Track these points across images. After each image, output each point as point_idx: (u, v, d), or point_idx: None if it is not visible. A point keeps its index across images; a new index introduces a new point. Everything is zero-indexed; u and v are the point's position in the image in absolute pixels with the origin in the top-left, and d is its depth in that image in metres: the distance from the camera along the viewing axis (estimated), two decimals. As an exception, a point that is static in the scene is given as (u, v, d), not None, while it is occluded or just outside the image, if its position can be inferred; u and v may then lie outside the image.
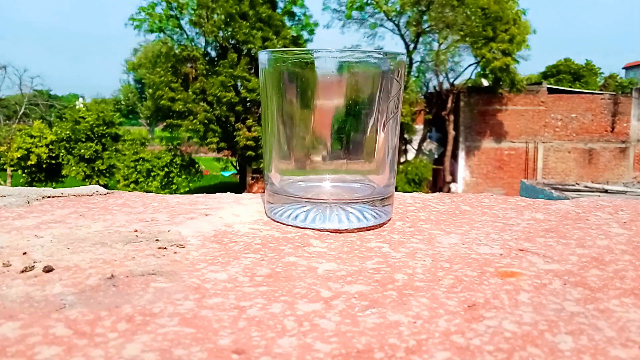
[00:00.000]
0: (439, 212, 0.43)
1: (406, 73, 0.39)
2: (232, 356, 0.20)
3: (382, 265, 0.30)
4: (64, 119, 13.42)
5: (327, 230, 0.37)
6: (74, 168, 12.39)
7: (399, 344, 0.21)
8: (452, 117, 11.83)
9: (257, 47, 10.35)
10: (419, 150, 12.38)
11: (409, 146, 12.53)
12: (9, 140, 13.60)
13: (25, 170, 12.62)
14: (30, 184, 12.38)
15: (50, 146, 12.49)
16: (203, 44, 11.84)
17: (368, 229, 0.38)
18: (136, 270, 0.29)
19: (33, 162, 12.37)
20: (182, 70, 11.41)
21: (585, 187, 6.57)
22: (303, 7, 11.93)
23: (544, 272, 0.30)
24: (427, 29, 11.45)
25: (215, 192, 0.49)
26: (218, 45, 11.45)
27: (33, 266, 0.29)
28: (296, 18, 11.83)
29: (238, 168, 13.20)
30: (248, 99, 11.08)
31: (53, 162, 12.66)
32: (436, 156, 12.55)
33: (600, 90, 15.22)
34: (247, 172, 12.37)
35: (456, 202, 0.47)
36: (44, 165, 12.59)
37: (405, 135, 12.04)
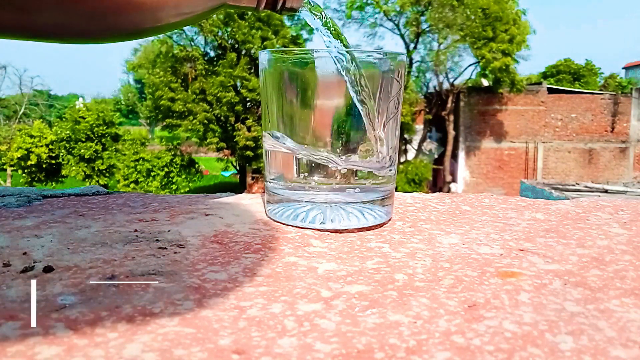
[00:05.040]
0: (439, 212, 0.43)
1: (406, 73, 0.39)
2: (232, 356, 0.20)
3: (382, 265, 0.30)
4: (64, 119, 13.42)
5: (327, 230, 0.37)
6: (74, 168, 12.39)
7: (399, 344, 0.21)
8: (452, 117, 11.83)
9: (257, 47, 10.35)
10: (419, 150, 12.38)
11: (409, 146, 12.54)
12: (9, 140, 13.60)
13: (25, 170, 12.61)
14: (30, 184, 12.38)
15: (50, 146, 12.49)
16: (202, 43, 11.84)
17: (368, 229, 0.38)
18: (136, 270, 0.29)
19: (33, 162, 12.37)
20: (182, 70, 11.41)
21: (585, 187, 6.57)
22: (303, 7, 11.88)
23: (544, 272, 0.30)
24: (427, 29, 11.45)
25: (215, 192, 0.49)
26: (217, 45, 11.45)
27: (33, 266, 0.29)
28: (295, 17, 11.84)
29: (238, 168, 13.20)
30: (248, 99, 11.08)
31: (53, 162, 12.65)
32: (436, 156, 12.56)
33: (600, 90, 15.22)
34: (247, 172, 12.37)
35: (456, 202, 0.47)
36: (44, 165, 12.59)
37: (405, 135, 12.04)
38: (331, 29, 0.36)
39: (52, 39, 0.26)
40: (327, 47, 0.36)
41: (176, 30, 11.52)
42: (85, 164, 12.43)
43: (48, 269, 0.28)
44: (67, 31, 0.26)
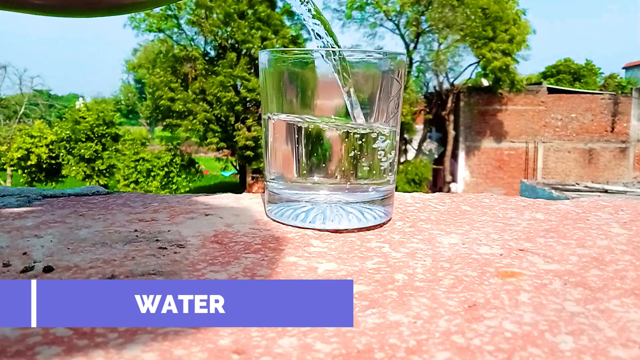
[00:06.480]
0: (439, 212, 0.43)
1: (406, 73, 0.39)
2: (232, 356, 0.20)
3: (382, 265, 0.30)
4: (64, 119, 13.42)
5: (327, 230, 0.37)
6: (74, 168, 12.39)
7: (399, 344, 0.21)
8: (452, 117, 11.83)
9: (256, 47, 10.35)
10: (419, 150, 12.38)
11: (409, 146, 12.54)
12: (9, 140, 13.60)
13: (25, 170, 12.61)
14: (30, 184, 12.38)
15: (50, 146, 12.48)
16: (202, 43, 11.85)
17: (368, 229, 0.38)
18: (136, 270, 0.29)
19: (33, 162, 12.37)
20: (182, 70, 11.41)
21: (585, 187, 6.57)
22: (303, 7, 11.86)
23: (544, 272, 0.30)
24: (427, 29, 11.45)
25: (215, 192, 0.49)
26: (217, 44, 11.45)
27: (33, 266, 0.29)
28: (295, 17, 11.82)
29: (238, 168, 13.20)
30: (248, 99, 11.08)
31: (53, 162, 12.65)
32: (436, 156, 12.56)
33: (600, 90, 15.21)
34: (247, 172, 12.37)
35: (456, 202, 0.47)
36: (44, 165, 12.58)
37: (405, 135, 12.04)
38: (314, 13, 0.36)
39: (33, 10, 0.26)
40: (311, 33, 0.37)
41: (176, 30, 11.56)
42: (85, 164, 12.43)
43: (48, 269, 0.28)
44: (48, 2, 0.26)
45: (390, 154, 0.39)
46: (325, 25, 0.37)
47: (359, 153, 0.37)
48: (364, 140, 0.37)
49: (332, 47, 0.36)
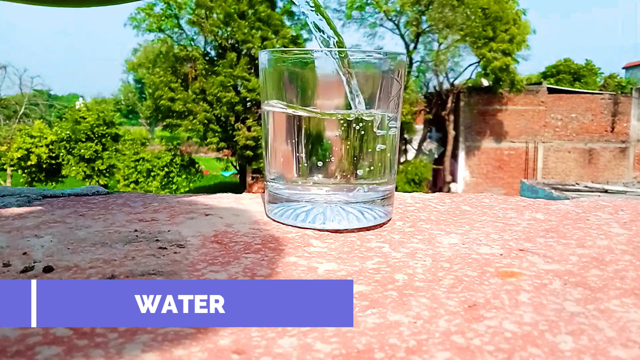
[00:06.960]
0: (439, 212, 0.43)
1: (406, 73, 0.39)
2: (232, 356, 0.20)
3: (382, 265, 0.30)
4: (64, 119, 13.43)
5: (327, 230, 0.37)
6: (74, 168, 12.39)
7: (399, 344, 0.21)
8: (452, 117, 11.83)
9: (256, 47, 10.36)
10: (419, 150, 12.39)
11: (409, 146, 12.54)
12: (9, 140, 13.60)
13: (25, 170, 12.60)
14: (30, 184, 12.38)
15: (50, 146, 12.48)
16: (202, 43, 11.85)
17: (368, 229, 0.38)
18: (136, 270, 0.29)
19: (33, 162, 12.36)
20: (182, 70, 11.41)
21: (585, 187, 6.57)
22: (303, 7, 11.86)
23: (544, 272, 0.30)
24: (427, 29, 11.45)
25: (215, 192, 0.49)
26: (217, 44, 11.45)
27: (33, 266, 0.29)
28: (295, 17, 11.82)
29: (238, 168, 13.21)
30: (248, 99, 11.08)
31: (53, 162, 12.65)
32: (436, 156, 12.56)
33: (600, 90, 15.20)
34: (247, 172, 12.37)
35: (456, 202, 0.47)
36: (44, 165, 12.58)
37: (405, 135, 12.04)
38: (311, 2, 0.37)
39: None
40: (306, 19, 0.37)
41: (176, 30, 11.55)
42: (85, 164, 12.43)
43: (48, 269, 0.28)
44: None
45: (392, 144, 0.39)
46: (327, 20, 0.37)
47: (359, 151, 0.37)
48: (364, 139, 0.37)
49: (328, 35, 0.36)
